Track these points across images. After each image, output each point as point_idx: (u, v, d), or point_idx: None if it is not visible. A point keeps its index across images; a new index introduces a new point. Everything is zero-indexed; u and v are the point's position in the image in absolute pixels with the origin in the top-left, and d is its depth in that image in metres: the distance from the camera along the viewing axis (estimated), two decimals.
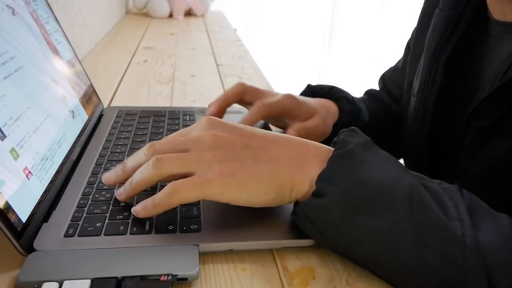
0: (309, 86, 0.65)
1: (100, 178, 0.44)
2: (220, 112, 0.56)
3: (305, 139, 0.39)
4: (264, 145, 0.37)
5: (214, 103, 0.56)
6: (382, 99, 0.73)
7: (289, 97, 0.56)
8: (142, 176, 0.37)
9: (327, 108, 0.60)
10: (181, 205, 0.40)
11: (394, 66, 0.73)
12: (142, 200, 0.37)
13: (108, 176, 0.40)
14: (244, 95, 0.56)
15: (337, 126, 0.60)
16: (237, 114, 0.66)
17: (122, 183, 0.39)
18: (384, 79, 0.74)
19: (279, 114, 0.55)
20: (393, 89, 0.71)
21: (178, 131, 0.41)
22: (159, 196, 0.35)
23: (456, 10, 0.51)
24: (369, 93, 0.75)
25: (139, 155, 0.39)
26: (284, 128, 0.58)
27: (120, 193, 0.39)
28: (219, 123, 0.39)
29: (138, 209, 0.36)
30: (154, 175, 0.36)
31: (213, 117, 0.40)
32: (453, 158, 0.51)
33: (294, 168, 0.36)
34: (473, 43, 0.52)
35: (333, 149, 0.37)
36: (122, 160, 0.48)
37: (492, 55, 0.49)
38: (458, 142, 0.50)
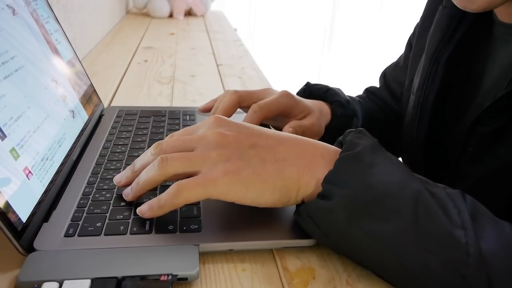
0: (307, 85, 0.65)
1: (100, 178, 0.44)
2: None
3: (313, 139, 0.39)
4: (271, 144, 0.37)
5: (212, 111, 0.55)
6: (382, 98, 0.72)
7: (286, 95, 0.55)
8: (148, 176, 0.36)
9: (321, 109, 0.60)
10: None
11: (395, 62, 0.72)
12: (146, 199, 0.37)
13: (119, 178, 0.40)
14: (241, 103, 0.55)
15: (328, 130, 0.60)
16: (237, 114, 0.66)
17: (131, 183, 0.39)
18: (385, 76, 0.73)
19: (278, 113, 0.54)
20: (395, 87, 0.71)
21: (184, 129, 0.41)
22: (164, 196, 0.35)
23: (459, 9, 0.50)
24: (369, 90, 0.75)
25: (146, 155, 0.39)
26: (280, 128, 0.57)
27: (127, 193, 0.39)
28: (226, 122, 0.39)
29: (144, 210, 0.36)
30: (159, 175, 0.36)
31: (220, 116, 0.39)
32: (456, 163, 0.51)
33: (301, 169, 0.36)
34: (476, 44, 0.51)
35: (340, 150, 0.37)
36: (122, 160, 0.49)
37: (496, 58, 0.48)
38: (460, 146, 0.50)
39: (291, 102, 0.55)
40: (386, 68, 0.74)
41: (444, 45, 0.52)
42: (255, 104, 0.53)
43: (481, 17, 0.50)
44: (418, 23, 0.64)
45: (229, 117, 0.54)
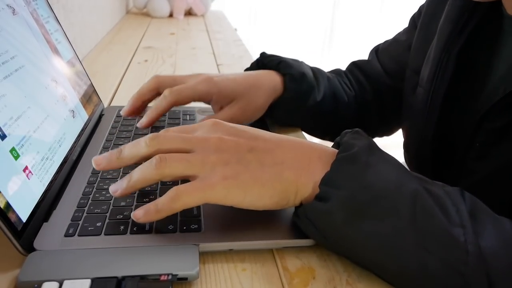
0: (262, 55, 0.62)
1: (100, 178, 0.44)
2: (136, 110, 0.56)
3: (310, 142, 0.39)
4: (269, 148, 0.37)
5: (129, 101, 0.55)
6: (369, 71, 0.69)
7: (205, 80, 0.53)
8: (143, 174, 0.35)
9: (263, 85, 0.57)
10: None
11: (393, 38, 0.70)
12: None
13: (100, 160, 0.37)
14: (160, 89, 0.54)
15: (279, 104, 0.58)
16: None
17: (112, 169, 0.38)
18: (378, 51, 0.71)
19: (195, 99, 0.53)
20: (387, 62, 0.68)
21: (182, 126, 0.40)
22: (161, 201, 0.34)
23: (470, 1, 0.49)
24: (355, 63, 0.72)
25: (139, 144, 0.37)
26: None
27: (115, 190, 0.37)
28: (225, 126, 0.39)
29: (139, 214, 0.35)
30: (156, 175, 0.35)
31: (218, 120, 0.39)
32: (461, 159, 0.50)
33: (299, 171, 0.36)
34: (486, 38, 0.50)
35: (337, 151, 0.36)
36: None
37: (505, 53, 0.47)
38: (466, 143, 0.49)
39: (211, 89, 0.53)
40: (379, 44, 0.71)
41: (455, 37, 0.51)
42: (167, 89, 0.52)
43: (492, 10, 0.49)
44: (423, 5, 0.62)
45: (147, 102, 0.56)
